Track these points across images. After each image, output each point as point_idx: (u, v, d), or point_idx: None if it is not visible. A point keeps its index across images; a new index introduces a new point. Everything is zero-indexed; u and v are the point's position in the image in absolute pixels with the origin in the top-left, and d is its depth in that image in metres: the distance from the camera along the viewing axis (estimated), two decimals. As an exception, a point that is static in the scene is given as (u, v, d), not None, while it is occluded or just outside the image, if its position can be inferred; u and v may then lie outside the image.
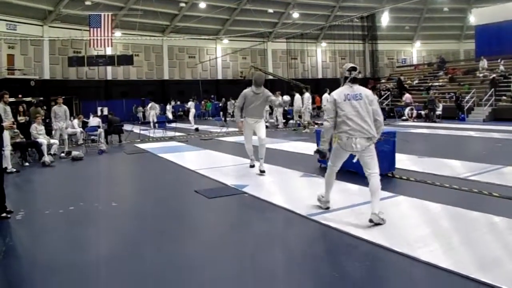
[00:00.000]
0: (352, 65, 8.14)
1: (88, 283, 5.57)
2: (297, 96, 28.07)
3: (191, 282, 5.50)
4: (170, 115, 39.40)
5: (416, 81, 44.68)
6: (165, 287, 5.39)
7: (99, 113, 34.30)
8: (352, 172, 11.13)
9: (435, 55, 55.10)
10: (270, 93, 12.64)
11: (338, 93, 7.79)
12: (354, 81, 7.97)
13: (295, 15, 55.33)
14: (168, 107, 41.53)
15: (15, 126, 9.84)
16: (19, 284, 5.73)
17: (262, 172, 12.14)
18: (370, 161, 7.77)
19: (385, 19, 48.97)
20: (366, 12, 48.93)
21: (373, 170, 7.70)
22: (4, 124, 9.30)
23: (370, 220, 7.13)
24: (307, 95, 27.34)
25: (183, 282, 5.51)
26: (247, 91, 12.43)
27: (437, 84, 41.52)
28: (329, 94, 27.59)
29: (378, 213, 7.19)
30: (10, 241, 7.37)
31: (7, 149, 13.68)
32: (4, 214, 8.70)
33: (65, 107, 19.88)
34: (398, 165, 11.70)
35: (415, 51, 65.89)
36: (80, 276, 5.77)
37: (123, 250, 6.76)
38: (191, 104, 36.53)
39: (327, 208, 8.29)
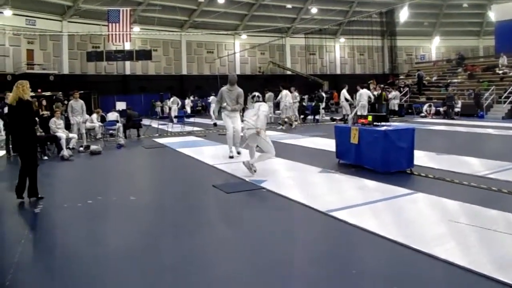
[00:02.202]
0: None
1: (106, 275, 5.62)
2: (285, 92, 27.83)
3: (209, 276, 5.51)
4: (188, 110, 39.49)
5: (435, 78, 44.24)
6: (183, 280, 5.41)
7: (117, 107, 34.36)
8: (369, 169, 11.16)
9: (454, 51, 54.51)
10: (241, 91, 15.07)
11: None
12: None
13: (314, 10, 55.11)
14: (187, 101, 41.60)
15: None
16: (38, 275, 5.78)
17: (238, 153, 15.09)
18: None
19: (404, 15, 48.62)
20: (385, 7, 48.73)
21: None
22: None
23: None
24: (284, 92, 27.36)
25: (200, 276, 5.51)
26: (223, 88, 15.10)
27: (455, 80, 41.15)
28: (347, 90, 27.80)
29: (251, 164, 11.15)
30: (29, 233, 7.43)
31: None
32: (34, 198, 9.44)
33: (81, 101, 19.95)
34: (416, 162, 11.59)
35: (434, 47, 65.33)
36: (98, 268, 5.83)
37: (141, 244, 6.79)
38: (212, 99, 36.56)
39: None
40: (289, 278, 5.42)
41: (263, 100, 27.99)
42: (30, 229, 7.73)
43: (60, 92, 35.82)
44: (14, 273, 5.63)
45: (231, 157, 14.72)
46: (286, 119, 26.20)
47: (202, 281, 5.40)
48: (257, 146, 12.01)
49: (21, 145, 9.64)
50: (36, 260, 6.36)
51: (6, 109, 16.92)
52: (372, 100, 27.33)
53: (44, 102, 23.75)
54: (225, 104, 14.81)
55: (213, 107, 34.85)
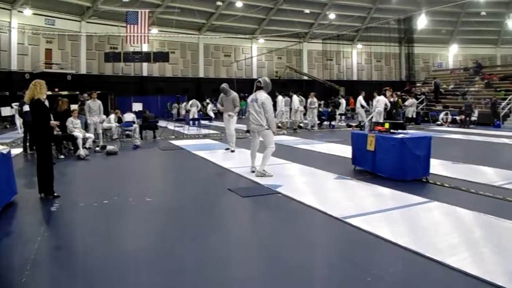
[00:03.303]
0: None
1: (120, 275, 5.65)
2: (294, 97, 28.60)
3: (225, 279, 5.54)
4: (212, 114, 39.53)
5: (452, 86, 44.13)
6: (197, 282, 5.42)
7: (133, 108, 34.52)
8: (385, 176, 11.15)
9: (472, 59, 54.33)
10: (235, 95, 18.03)
11: None
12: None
13: (331, 16, 55.13)
14: (210, 106, 41.78)
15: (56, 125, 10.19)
16: (54, 274, 5.83)
17: (232, 151, 17.19)
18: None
19: (421, 22, 48.48)
20: (402, 14, 48.61)
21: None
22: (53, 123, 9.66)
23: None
24: (280, 97, 27.88)
25: (216, 279, 5.53)
26: (221, 95, 17.96)
27: (472, 89, 41.07)
28: (364, 96, 27.79)
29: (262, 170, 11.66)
30: (45, 231, 7.48)
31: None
32: (51, 196, 9.58)
33: (99, 101, 20.07)
34: (432, 170, 11.53)
35: (451, 55, 65.01)
36: (112, 268, 5.87)
37: (156, 245, 6.82)
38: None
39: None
40: (303, 283, 5.42)
41: (274, 105, 28.47)
42: (46, 227, 7.77)
43: (77, 92, 36.07)
44: (31, 270, 5.69)
45: (233, 151, 17.28)
46: (279, 124, 26.40)
47: (218, 283, 5.43)
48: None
49: (35, 142, 9.81)
50: (52, 257, 6.40)
51: (25, 107, 17.09)
52: (389, 108, 27.28)
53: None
54: (222, 107, 18.00)
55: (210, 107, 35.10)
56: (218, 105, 18.96)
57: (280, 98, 28.28)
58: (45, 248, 6.63)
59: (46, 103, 10.21)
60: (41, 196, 9.59)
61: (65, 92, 36.52)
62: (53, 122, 9.82)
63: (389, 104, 27.32)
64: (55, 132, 9.97)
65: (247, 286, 5.37)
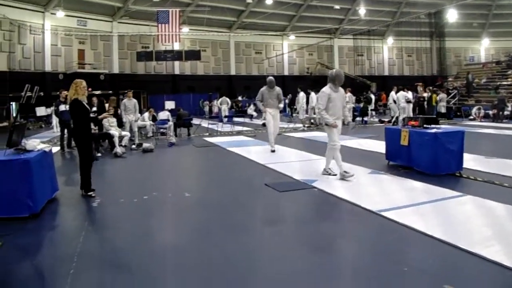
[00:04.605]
0: None
1: (161, 268, 5.85)
2: (312, 94, 28.62)
3: (262, 273, 5.71)
4: (253, 113, 39.56)
5: (484, 80, 43.69)
6: (235, 276, 5.59)
7: (166, 107, 34.74)
8: (418, 171, 11.22)
9: (504, 53, 53.66)
10: (280, 89, 16.69)
11: None
12: None
13: (362, 11, 54.90)
14: (252, 107, 42.10)
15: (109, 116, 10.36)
16: (100, 266, 6.07)
17: (272, 151, 16.04)
18: None
19: (452, 16, 48.07)
20: (433, 8, 48.26)
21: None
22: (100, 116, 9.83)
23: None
24: (301, 94, 28.02)
25: (253, 273, 5.74)
26: (263, 89, 16.49)
27: (505, 83, 40.63)
28: (396, 92, 27.65)
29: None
30: (88, 226, 7.74)
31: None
32: (90, 193, 9.79)
33: (134, 100, 20.29)
34: (465, 164, 11.55)
35: (483, 49, 64.28)
36: (155, 261, 6.07)
37: (196, 239, 7.03)
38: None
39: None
40: (340, 276, 5.61)
41: (307, 101, 28.57)
42: (89, 222, 8.03)
43: (110, 91, 36.49)
44: (78, 262, 5.96)
45: (273, 151, 16.04)
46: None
47: (262, 276, 5.63)
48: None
49: (76, 142, 10.07)
50: (96, 250, 6.63)
51: (61, 107, 17.43)
52: (412, 101, 27.20)
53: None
54: (266, 104, 16.28)
55: (251, 107, 35.20)
56: (258, 103, 17.01)
57: (301, 94, 28.45)
58: (89, 241, 6.87)
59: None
60: (82, 193, 9.84)
61: (98, 92, 36.88)
62: (104, 114, 9.93)
63: (411, 98, 27.23)
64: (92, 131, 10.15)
65: (290, 278, 5.49)
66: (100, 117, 10.01)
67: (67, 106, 16.90)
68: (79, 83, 9.85)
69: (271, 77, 16.83)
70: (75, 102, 9.72)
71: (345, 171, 10.95)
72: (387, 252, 6.23)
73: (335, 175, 11.26)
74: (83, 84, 9.87)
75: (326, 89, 11.30)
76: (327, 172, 11.49)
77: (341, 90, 11.63)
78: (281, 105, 16.87)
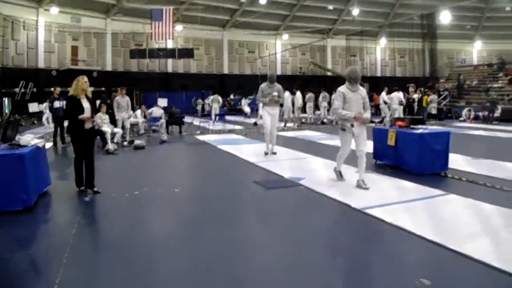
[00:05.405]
0: None
1: (152, 260, 6.03)
2: (298, 93, 29.38)
3: (250, 265, 5.92)
4: (247, 109, 39.75)
5: (475, 82, 43.85)
6: (225, 267, 5.78)
7: (159, 103, 34.86)
8: (404, 170, 11.43)
9: (496, 55, 53.92)
10: (281, 87, 15.22)
11: None
12: None
13: (355, 12, 55.06)
14: (244, 101, 42.19)
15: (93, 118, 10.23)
16: (92, 256, 6.30)
17: (274, 153, 15.22)
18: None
19: (445, 18, 48.18)
20: (426, 10, 48.43)
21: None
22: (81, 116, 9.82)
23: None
24: (286, 93, 28.22)
25: (243, 264, 5.92)
26: (263, 85, 15.17)
27: (496, 85, 40.84)
28: (387, 93, 27.77)
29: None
30: (81, 219, 7.91)
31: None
32: (93, 190, 9.89)
33: (127, 98, 20.38)
34: (451, 165, 11.72)
35: (476, 51, 64.64)
36: (145, 253, 6.28)
37: (185, 232, 7.29)
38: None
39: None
40: (324, 269, 5.78)
41: (304, 101, 28.82)
42: (81, 215, 8.19)
43: (103, 88, 36.59)
44: (71, 252, 6.18)
45: (266, 153, 15.19)
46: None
47: (245, 268, 5.81)
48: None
49: (70, 138, 10.20)
50: (88, 242, 6.85)
51: (55, 103, 17.60)
52: (404, 103, 27.36)
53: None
54: (265, 99, 14.90)
55: (261, 106, 35.43)
56: (261, 100, 15.41)
57: (286, 93, 28.76)
58: (82, 233, 7.08)
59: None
60: (73, 190, 9.93)
61: (91, 89, 36.81)
62: (83, 116, 9.87)
63: (404, 100, 27.37)
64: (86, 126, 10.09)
65: (270, 272, 5.70)
66: (80, 117, 9.87)
67: (61, 103, 17.16)
68: (79, 79, 9.94)
69: (272, 72, 16.76)
70: (70, 99, 9.82)
71: (362, 180, 10.06)
72: (367, 247, 6.44)
73: (344, 180, 10.66)
74: (84, 80, 9.95)
75: (342, 88, 10.35)
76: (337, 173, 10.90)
77: (361, 89, 10.53)
78: (281, 101, 15.94)
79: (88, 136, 9.92)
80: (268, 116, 15.00)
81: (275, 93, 14.78)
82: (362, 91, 10.46)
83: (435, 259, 5.91)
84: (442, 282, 5.19)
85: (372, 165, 12.77)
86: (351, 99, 10.06)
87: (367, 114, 10.32)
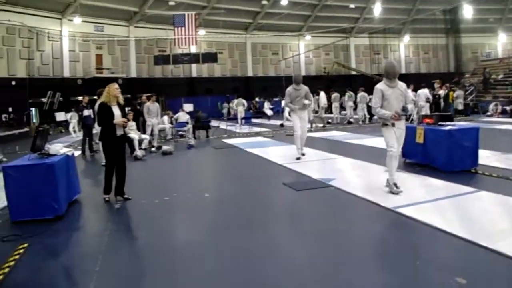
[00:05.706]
0: None
1: (186, 266, 6.08)
2: (322, 93, 29.54)
3: (281, 268, 5.86)
4: (269, 112, 39.88)
5: (501, 76, 43.27)
6: (259, 269, 5.78)
7: (184, 109, 34.96)
8: (434, 168, 11.31)
9: (522, 47, 53.35)
10: (307, 89, 14.71)
11: None
12: None
13: (377, 9, 54.83)
14: (266, 104, 42.22)
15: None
16: (125, 264, 6.33)
17: (302, 154, 14.77)
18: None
19: (468, 12, 47.73)
20: (448, 4, 48.06)
21: None
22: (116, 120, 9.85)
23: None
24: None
25: (275, 266, 5.87)
26: (289, 89, 14.70)
27: (522, 78, 40.40)
28: (412, 90, 27.48)
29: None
30: (112, 226, 8.02)
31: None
32: (123, 197, 9.96)
33: (157, 104, 20.62)
34: (481, 161, 11.59)
35: (500, 44, 63.89)
36: (177, 259, 6.33)
37: (217, 236, 7.25)
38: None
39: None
40: (359, 267, 5.76)
41: (329, 101, 28.78)
42: (112, 222, 8.29)
43: (128, 95, 36.78)
44: (103, 260, 6.25)
45: (298, 158, 14.57)
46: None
47: (277, 270, 5.76)
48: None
49: (102, 145, 10.27)
50: (120, 250, 6.89)
51: (84, 112, 17.76)
52: (431, 101, 27.08)
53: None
54: (294, 105, 14.42)
55: (287, 109, 35.40)
56: (289, 105, 14.77)
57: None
58: (114, 241, 7.14)
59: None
60: (104, 197, 9.96)
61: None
62: (118, 120, 9.88)
63: (430, 97, 27.08)
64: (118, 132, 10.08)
65: (305, 272, 5.69)
66: (115, 121, 9.94)
67: (90, 111, 17.33)
68: (111, 86, 9.95)
69: (297, 72, 16.48)
70: (101, 106, 9.87)
71: (395, 184, 9.47)
72: (400, 246, 6.41)
73: (401, 192, 9.31)
74: (114, 86, 9.95)
75: (380, 84, 9.58)
76: (389, 186, 9.60)
77: (400, 84, 9.63)
78: (311, 103, 15.70)
79: (120, 142, 9.94)
80: (297, 120, 14.54)
81: (306, 102, 14.42)
82: (402, 86, 9.66)
83: (468, 257, 5.88)
84: (477, 281, 5.14)
85: (400, 163, 12.65)
86: (390, 96, 9.35)
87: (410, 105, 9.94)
